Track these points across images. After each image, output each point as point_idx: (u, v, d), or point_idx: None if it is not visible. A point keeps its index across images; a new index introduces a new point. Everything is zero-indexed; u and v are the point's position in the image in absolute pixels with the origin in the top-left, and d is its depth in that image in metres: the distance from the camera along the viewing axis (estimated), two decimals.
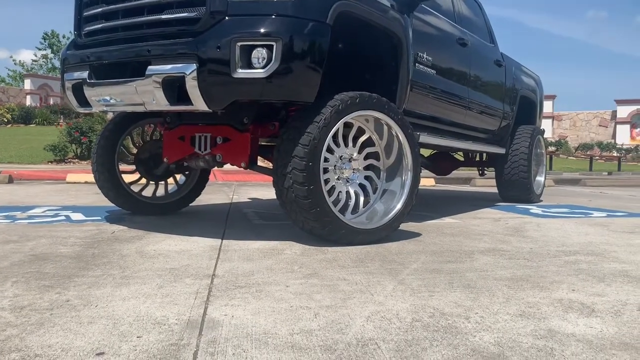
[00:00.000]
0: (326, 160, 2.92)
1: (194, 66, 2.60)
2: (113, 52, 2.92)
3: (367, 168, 3.17)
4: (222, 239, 3.04)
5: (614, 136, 30.95)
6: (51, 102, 29.84)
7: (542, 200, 6.15)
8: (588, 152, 27.78)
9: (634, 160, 24.61)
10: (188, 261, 2.46)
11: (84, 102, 3.14)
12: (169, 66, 2.67)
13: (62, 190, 6.13)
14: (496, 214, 4.62)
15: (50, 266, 2.32)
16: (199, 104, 2.69)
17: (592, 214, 4.87)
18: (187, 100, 2.69)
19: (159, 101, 2.76)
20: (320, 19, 2.75)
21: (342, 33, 3.09)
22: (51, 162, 11.64)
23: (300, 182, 2.73)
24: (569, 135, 31.33)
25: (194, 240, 3.01)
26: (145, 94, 2.78)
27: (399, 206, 3.10)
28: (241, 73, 2.59)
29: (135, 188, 3.99)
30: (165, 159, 3.68)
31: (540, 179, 6.18)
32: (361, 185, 3.15)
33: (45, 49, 47.38)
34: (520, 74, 5.79)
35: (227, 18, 2.65)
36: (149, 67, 2.72)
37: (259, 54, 2.61)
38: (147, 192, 4.07)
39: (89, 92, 3.04)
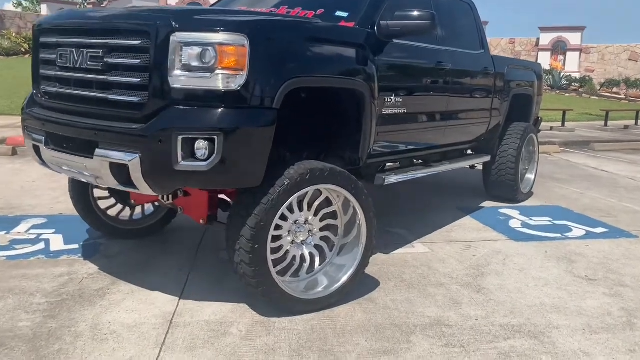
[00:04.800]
0: (279, 227, 2.97)
1: (137, 156, 2.61)
2: (65, 125, 2.93)
3: (324, 229, 3.20)
4: (179, 299, 3.17)
5: None
6: None
7: (532, 194, 6.11)
8: (614, 90, 26.90)
9: None
10: (132, 352, 2.59)
11: (43, 161, 3.19)
12: (114, 153, 2.69)
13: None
14: (471, 234, 4.64)
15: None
16: (144, 190, 2.72)
17: (571, 230, 4.86)
18: (134, 184, 2.73)
19: (108, 181, 2.80)
20: (265, 106, 2.70)
21: (299, 100, 3.04)
22: None
23: (248, 263, 2.81)
24: (596, 70, 30.17)
25: (152, 300, 3.14)
26: (96, 171, 2.81)
27: (345, 279, 3.16)
28: (183, 165, 2.61)
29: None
30: (132, 201, 3.76)
31: (530, 176, 6.12)
32: (317, 247, 3.20)
33: None
34: (514, 72, 5.59)
35: (170, 107, 2.62)
36: (97, 150, 2.74)
37: (201, 146, 2.61)
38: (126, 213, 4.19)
39: (45, 156, 3.09)
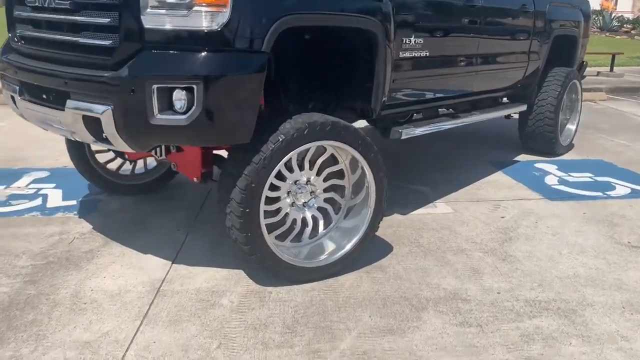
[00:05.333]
0: (276, 188, 2.65)
1: (109, 109, 2.29)
2: (37, 72, 2.62)
3: (328, 189, 2.86)
4: (172, 263, 2.92)
5: None
6: None
7: (573, 146, 5.59)
8: None
9: None
10: (110, 325, 2.36)
11: (21, 114, 2.91)
12: (85, 104, 2.38)
13: None
14: (501, 191, 4.21)
15: None
16: (121, 146, 2.42)
17: (614, 188, 4.38)
18: (109, 140, 2.43)
19: (84, 136, 2.51)
20: (253, 49, 2.32)
21: (299, 39, 2.65)
22: None
23: (238, 228, 2.51)
24: None
25: (143, 264, 2.89)
26: (70, 125, 2.52)
27: (351, 244, 2.83)
28: (160, 119, 2.28)
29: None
30: (126, 156, 3.49)
31: (571, 127, 5.58)
32: (321, 209, 2.87)
33: None
34: (557, 11, 4.97)
35: (144, 51, 2.27)
36: (68, 101, 2.44)
37: (179, 96, 2.27)
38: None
39: (20, 107, 2.81)
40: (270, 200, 2.65)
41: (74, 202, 3.79)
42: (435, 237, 3.33)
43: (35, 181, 4.22)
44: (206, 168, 2.96)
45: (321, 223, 2.88)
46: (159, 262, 2.92)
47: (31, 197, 3.88)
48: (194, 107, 2.24)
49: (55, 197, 3.88)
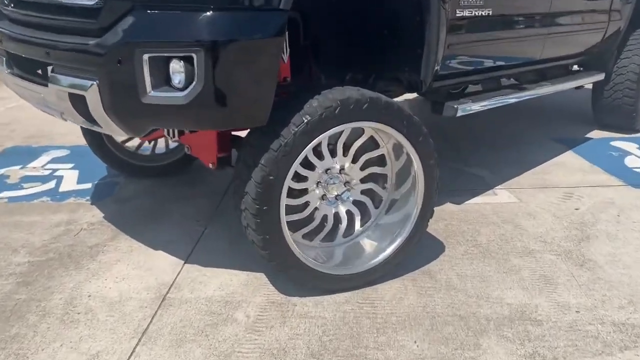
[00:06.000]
0: (303, 179, 2.18)
1: (95, 84, 1.86)
2: (21, 41, 2.22)
3: (366, 179, 2.37)
4: (184, 262, 2.51)
5: None
6: None
7: None
8: None
9: None
10: (102, 344, 1.97)
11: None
12: (68, 79, 1.96)
13: None
14: (573, 176, 3.60)
15: None
16: (112, 130, 2.00)
17: None
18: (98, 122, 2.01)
19: (74, 117, 2.10)
20: (269, 6, 1.82)
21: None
22: None
23: (254, 229, 2.06)
24: None
25: (151, 264, 2.50)
26: (56, 104, 2.11)
27: (393, 247, 2.34)
28: (154, 97, 1.83)
29: None
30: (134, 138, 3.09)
31: None
32: (357, 203, 2.39)
33: None
34: None
35: (133, 12, 1.81)
36: (51, 75, 2.03)
37: (177, 68, 1.81)
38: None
39: (10, 82, 2.42)
40: (295, 193, 2.19)
41: (89, 186, 3.44)
42: (496, 234, 2.79)
43: (52, 161, 3.91)
44: (223, 152, 2.51)
45: (357, 220, 2.40)
46: (170, 262, 2.53)
47: (45, 179, 3.56)
48: (194, 82, 1.78)
49: (70, 180, 3.55)
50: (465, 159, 3.85)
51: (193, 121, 1.91)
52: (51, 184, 3.47)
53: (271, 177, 1.98)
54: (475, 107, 2.91)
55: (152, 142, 3.53)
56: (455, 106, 2.77)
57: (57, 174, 3.65)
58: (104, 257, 2.57)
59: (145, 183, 3.45)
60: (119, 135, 2.05)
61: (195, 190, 3.34)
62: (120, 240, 2.73)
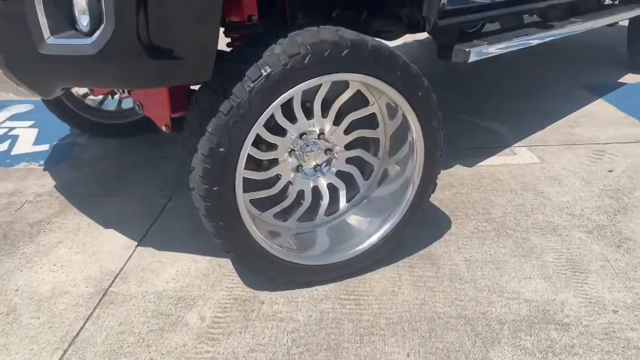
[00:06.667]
0: (271, 146, 1.73)
1: None
2: None
3: (353, 145, 1.90)
4: (137, 245, 2.10)
5: None
6: None
7: None
8: None
9: None
10: (21, 355, 1.59)
11: None
12: None
13: None
14: (605, 130, 3.08)
15: None
16: (18, 91, 1.54)
17: None
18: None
19: None
20: None
21: None
22: None
23: (205, 215, 1.62)
24: None
25: (97, 247, 2.10)
26: None
27: (385, 228, 1.89)
28: (53, 46, 1.36)
29: None
30: (89, 90, 2.62)
31: None
32: (341, 175, 1.93)
33: None
34: None
35: None
36: None
37: (81, 6, 1.33)
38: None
39: None
40: (264, 164, 1.74)
41: (45, 147, 3.02)
42: (513, 204, 2.32)
43: (12, 117, 3.48)
44: (178, 111, 2.03)
45: (342, 194, 1.95)
46: (121, 243, 2.12)
47: (0, 140, 3.13)
48: (103, 24, 1.29)
49: (25, 140, 3.12)
50: (478, 110, 3.34)
51: (108, 78, 1.43)
52: (4, 146, 3.06)
53: (221, 149, 1.52)
54: (492, 50, 2.38)
55: (118, 96, 3.06)
56: (467, 49, 2.24)
57: (12, 133, 3.23)
58: (44, 238, 2.17)
59: (110, 144, 3.02)
60: (33, 96, 1.59)
61: (166, 154, 2.90)
62: (67, 216, 2.32)
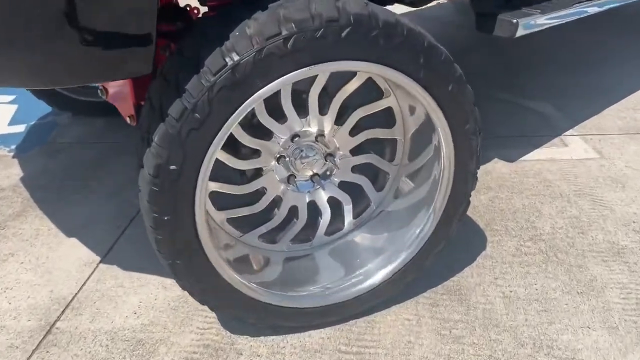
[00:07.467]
0: (254, 152, 1.32)
1: None
2: None
3: (360, 149, 1.47)
4: (100, 261, 1.73)
5: None
6: None
7: None
8: None
9: None
10: None
11: None
12: None
13: None
14: None
15: None
16: None
17: None
18: None
19: None
20: None
21: None
22: None
23: (157, 249, 1.22)
24: None
25: (53, 262, 1.74)
26: None
27: (400, 259, 1.46)
28: None
29: None
30: None
31: None
32: (345, 186, 1.50)
33: None
34: None
35: None
36: None
37: None
38: None
39: None
40: (249, 174, 1.34)
41: (21, 128, 2.66)
42: (565, 216, 1.86)
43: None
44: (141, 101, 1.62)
45: (347, 210, 1.52)
46: (82, 258, 1.76)
47: None
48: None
49: (2, 119, 2.76)
50: (523, 88, 2.83)
51: (16, 73, 1.01)
52: None
53: (172, 167, 1.10)
54: (545, 21, 1.87)
55: None
56: (515, 20, 1.75)
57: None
58: (4, 245, 1.81)
59: (93, 125, 2.65)
60: None
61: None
62: (27, 218, 1.97)
